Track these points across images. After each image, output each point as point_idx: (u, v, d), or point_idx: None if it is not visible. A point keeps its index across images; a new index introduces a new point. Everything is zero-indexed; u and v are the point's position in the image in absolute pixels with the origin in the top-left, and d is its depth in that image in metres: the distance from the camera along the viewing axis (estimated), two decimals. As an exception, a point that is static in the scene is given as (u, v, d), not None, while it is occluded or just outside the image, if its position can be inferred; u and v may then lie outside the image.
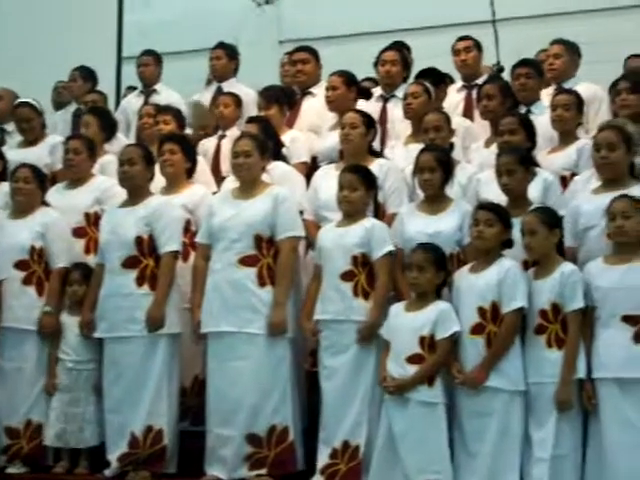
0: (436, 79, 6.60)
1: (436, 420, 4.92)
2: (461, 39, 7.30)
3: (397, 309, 5.11)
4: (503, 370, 4.85)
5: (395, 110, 6.67)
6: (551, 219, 4.92)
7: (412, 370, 4.93)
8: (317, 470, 5.24)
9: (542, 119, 5.95)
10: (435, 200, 5.38)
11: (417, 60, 7.36)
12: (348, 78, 6.58)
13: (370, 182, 5.40)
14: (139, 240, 5.59)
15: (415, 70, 7.02)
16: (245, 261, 5.43)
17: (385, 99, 6.90)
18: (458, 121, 6.36)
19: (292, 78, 7.32)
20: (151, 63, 7.94)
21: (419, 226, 5.30)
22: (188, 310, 5.64)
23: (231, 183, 5.86)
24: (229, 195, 5.65)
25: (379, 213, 5.54)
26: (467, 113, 6.86)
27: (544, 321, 4.85)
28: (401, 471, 4.93)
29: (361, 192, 5.33)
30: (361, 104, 6.57)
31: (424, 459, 4.89)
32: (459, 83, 7.26)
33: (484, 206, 5.05)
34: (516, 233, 4.99)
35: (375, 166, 5.68)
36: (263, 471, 5.33)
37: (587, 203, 5.10)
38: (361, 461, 5.13)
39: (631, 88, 5.65)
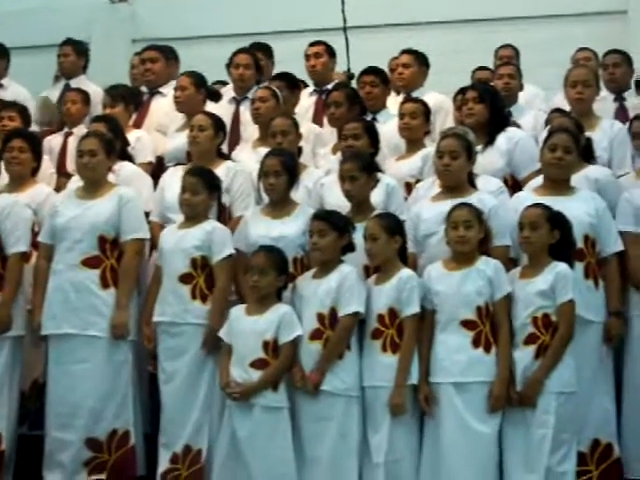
0: (290, 84, 6.62)
1: (281, 425, 4.92)
2: (313, 44, 7.35)
3: (238, 312, 5.08)
4: (339, 374, 4.88)
5: (247, 113, 6.66)
6: (392, 225, 4.97)
7: (256, 375, 4.92)
8: (158, 475, 5.17)
9: (387, 127, 6.03)
10: (280, 204, 5.38)
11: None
12: (197, 79, 6.53)
13: (213, 185, 5.37)
14: (-15, 240, 5.42)
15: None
16: (88, 262, 5.34)
17: (237, 102, 6.89)
18: (309, 127, 6.41)
19: (141, 77, 7.23)
20: (-4, 57, 7.72)
21: (263, 230, 5.30)
22: (29, 312, 5.51)
23: (76, 182, 5.75)
24: (73, 195, 5.55)
25: (223, 216, 5.51)
26: (317, 118, 6.90)
27: (381, 326, 4.90)
28: (246, 476, 4.91)
29: (203, 195, 5.30)
30: (211, 106, 6.54)
31: (269, 463, 4.89)
32: (311, 88, 7.30)
33: (317, 216, 5.07)
34: (359, 238, 5.03)
35: (222, 169, 5.66)
36: (103, 476, 5.26)
37: (427, 210, 5.18)
38: (203, 466, 5.10)
39: (478, 98, 5.78)
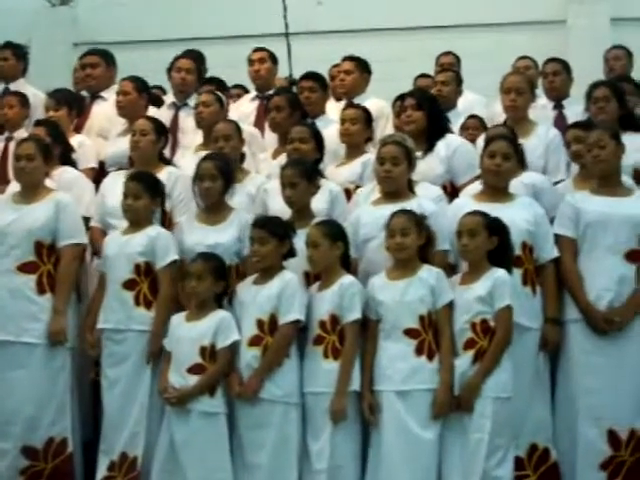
0: (221, 89, 6.62)
1: (218, 430, 4.91)
2: (256, 50, 7.36)
3: (178, 319, 5.06)
4: (277, 381, 4.87)
5: (187, 119, 6.63)
6: (334, 232, 4.97)
7: (193, 380, 4.90)
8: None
9: (326, 132, 6.05)
10: (215, 210, 5.35)
11: (212, 69, 7.36)
12: (139, 84, 6.50)
13: (155, 190, 5.33)
14: None
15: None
16: (24, 268, 5.29)
17: (177, 107, 6.86)
18: (244, 129, 6.39)
19: (82, 82, 7.17)
20: None
21: (198, 237, 5.27)
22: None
23: (15, 187, 5.68)
24: (10, 200, 5.49)
25: (166, 221, 5.47)
26: (259, 123, 6.89)
27: (322, 332, 4.90)
28: (183, 482, 4.88)
29: (145, 200, 5.26)
30: (153, 111, 6.51)
31: (206, 469, 4.87)
32: (253, 93, 7.30)
33: (257, 223, 5.06)
34: (300, 243, 5.03)
35: (164, 174, 5.63)
36: (39, 485, 5.19)
37: (366, 215, 5.19)
38: (138, 473, 5.05)
39: (416, 105, 5.81)
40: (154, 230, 5.25)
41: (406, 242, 4.87)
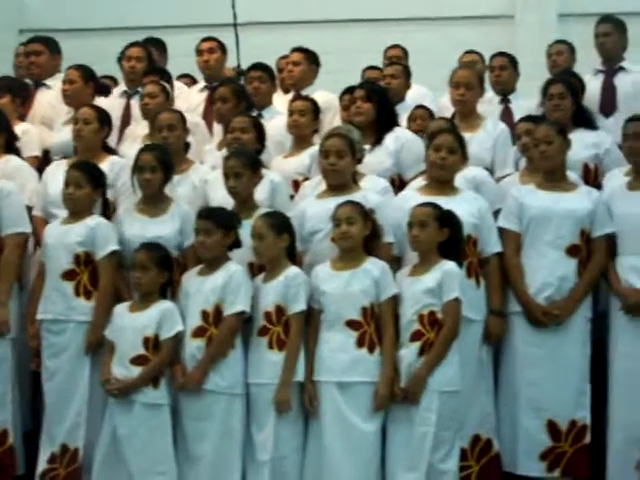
0: (166, 78, 6.57)
1: (161, 422, 4.89)
2: (205, 40, 7.31)
3: (121, 309, 5.03)
4: (221, 372, 4.86)
5: (138, 107, 6.58)
6: (280, 224, 4.97)
7: (137, 371, 4.87)
8: (36, 475, 5.09)
9: (272, 123, 6.04)
10: (154, 201, 5.32)
11: (161, 59, 7.33)
12: (86, 72, 6.45)
13: (97, 180, 5.28)
14: None
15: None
16: (-34, 258, 5.22)
17: (129, 95, 6.82)
18: (195, 120, 6.35)
19: (26, 70, 7.09)
20: None
21: (137, 229, 5.24)
22: None
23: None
24: (-49, 190, 5.41)
25: (108, 211, 5.42)
26: (208, 114, 6.86)
27: (267, 323, 4.90)
28: (125, 473, 4.86)
29: (86, 190, 5.21)
30: (101, 101, 6.45)
31: (149, 460, 4.85)
32: (202, 83, 7.26)
33: (202, 214, 5.04)
34: (245, 234, 5.01)
35: (107, 164, 5.58)
36: (-20, 476, 5.15)
37: (312, 207, 5.19)
38: (80, 465, 5.02)
39: (366, 97, 5.82)
40: (94, 220, 5.20)
41: (351, 231, 4.87)
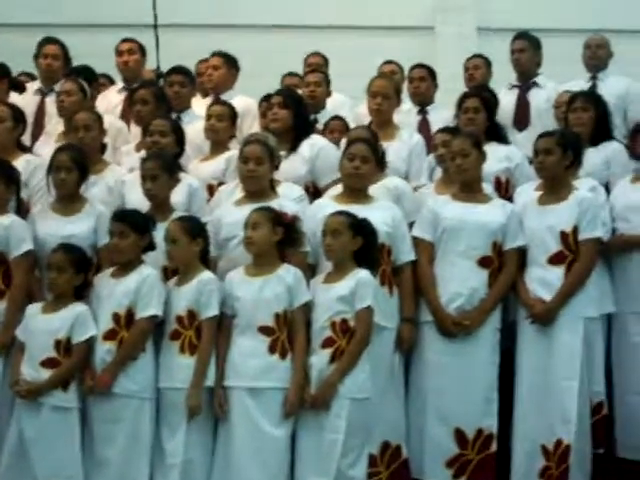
0: (89, 77, 6.52)
1: (69, 425, 4.85)
2: (125, 41, 7.28)
3: (34, 310, 4.98)
4: (131, 376, 4.84)
5: (54, 105, 6.50)
6: (194, 228, 4.96)
7: (47, 374, 4.83)
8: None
9: (191, 127, 6.03)
10: (69, 201, 5.30)
11: (77, 58, 7.24)
12: (-1, 69, 6.37)
13: (10, 178, 5.22)
14: None
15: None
16: None
17: (44, 93, 6.75)
18: (111, 121, 6.30)
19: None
20: None
21: (52, 228, 5.20)
22: None
23: None
24: None
25: (21, 210, 5.35)
26: (126, 115, 6.82)
27: (180, 327, 4.89)
28: (31, 477, 4.80)
29: (0, 188, 5.15)
30: (15, 97, 6.37)
31: (55, 464, 4.81)
32: (120, 84, 7.22)
33: (116, 216, 5.02)
34: (159, 237, 5.00)
35: (22, 162, 5.54)
36: None
37: (228, 214, 5.20)
38: (-15, 467, 4.95)
39: (282, 103, 5.85)
40: (8, 219, 5.14)
41: (254, 236, 4.88)
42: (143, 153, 5.76)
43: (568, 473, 5.08)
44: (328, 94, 7.08)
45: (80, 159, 5.27)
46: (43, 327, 4.89)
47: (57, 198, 5.31)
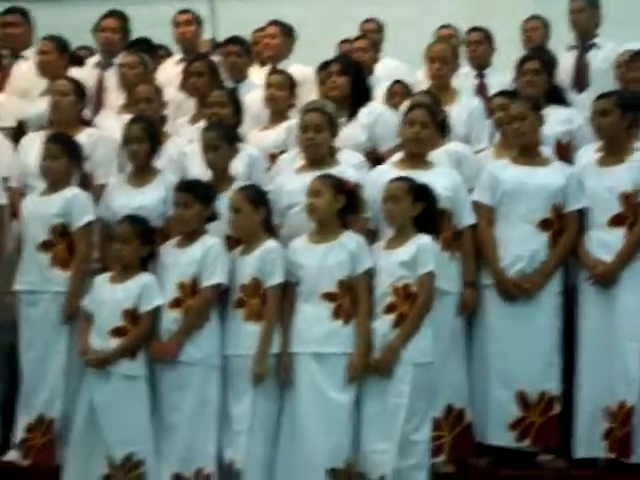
0: (148, 50, 6.58)
1: (138, 393, 4.93)
2: (182, 12, 7.31)
3: (102, 280, 5.06)
4: (197, 344, 4.91)
5: (113, 79, 6.59)
6: (256, 197, 5.00)
7: (115, 343, 4.91)
8: (15, 444, 5.14)
9: (249, 97, 6.05)
10: (142, 172, 5.37)
11: (137, 31, 7.29)
12: (59, 43, 6.45)
13: (73, 152, 5.30)
14: None
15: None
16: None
17: (103, 67, 6.81)
18: (172, 93, 6.36)
19: (2, 41, 7.05)
20: None
21: (124, 199, 5.29)
22: None
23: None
24: None
25: (86, 183, 5.44)
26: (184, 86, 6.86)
27: (244, 295, 4.94)
28: (102, 445, 4.90)
29: (63, 162, 5.25)
30: (74, 72, 6.43)
31: (125, 432, 4.89)
32: (178, 56, 7.26)
33: (180, 187, 5.07)
34: (221, 207, 5.06)
35: (84, 135, 5.61)
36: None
37: (290, 181, 5.24)
38: (55, 436, 5.08)
39: (340, 70, 5.85)
40: (71, 191, 5.23)
41: (316, 203, 4.91)
42: (199, 125, 5.80)
43: (632, 435, 5.07)
44: (375, 60, 7.05)
45: (151, 130, 5.34)
46: (111, 297, 4.97)
47: (132, 170, 5.39)
